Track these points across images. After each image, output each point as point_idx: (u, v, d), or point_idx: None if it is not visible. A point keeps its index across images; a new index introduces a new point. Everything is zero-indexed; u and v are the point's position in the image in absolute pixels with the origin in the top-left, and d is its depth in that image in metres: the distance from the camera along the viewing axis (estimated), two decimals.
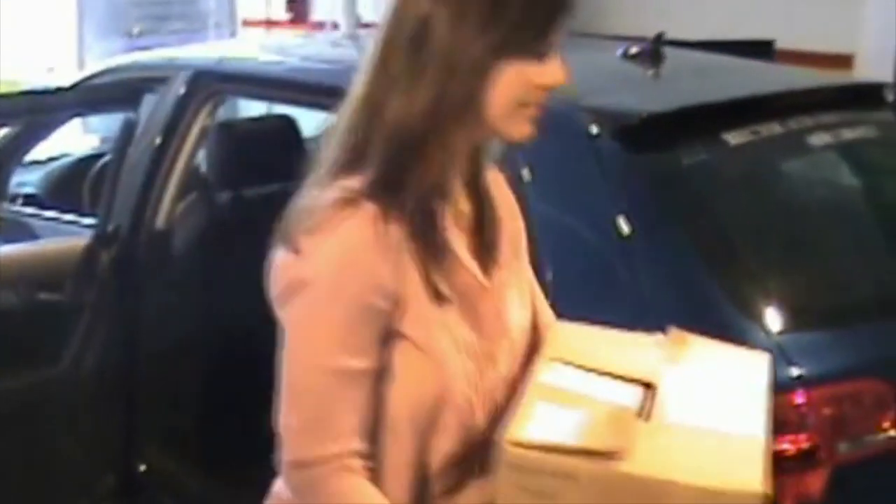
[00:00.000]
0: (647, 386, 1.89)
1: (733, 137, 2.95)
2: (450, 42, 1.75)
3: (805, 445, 2.51)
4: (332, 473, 1.80)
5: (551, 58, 1.83)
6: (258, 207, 4.08)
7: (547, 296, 2.29)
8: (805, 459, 2.51)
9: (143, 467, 3.79)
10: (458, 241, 1.87)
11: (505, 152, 2.87)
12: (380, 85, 1.79)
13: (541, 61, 1.81)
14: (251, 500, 3.39)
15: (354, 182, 1.78)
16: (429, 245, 1.80)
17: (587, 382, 1.89)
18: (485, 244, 1.94)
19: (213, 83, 3.79)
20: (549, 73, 1.83)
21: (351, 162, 1.81)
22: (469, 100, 1.77)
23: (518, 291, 2.00)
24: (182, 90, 3.75)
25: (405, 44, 1.77)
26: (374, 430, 1.82)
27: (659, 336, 2.09)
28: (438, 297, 1.81)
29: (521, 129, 1.87)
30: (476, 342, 1.86)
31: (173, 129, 3.74)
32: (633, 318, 2.60)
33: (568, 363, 1.94)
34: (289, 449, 1.85)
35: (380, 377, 1.80)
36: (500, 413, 1.84)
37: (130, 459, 3.80)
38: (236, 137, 3.93)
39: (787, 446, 2.50)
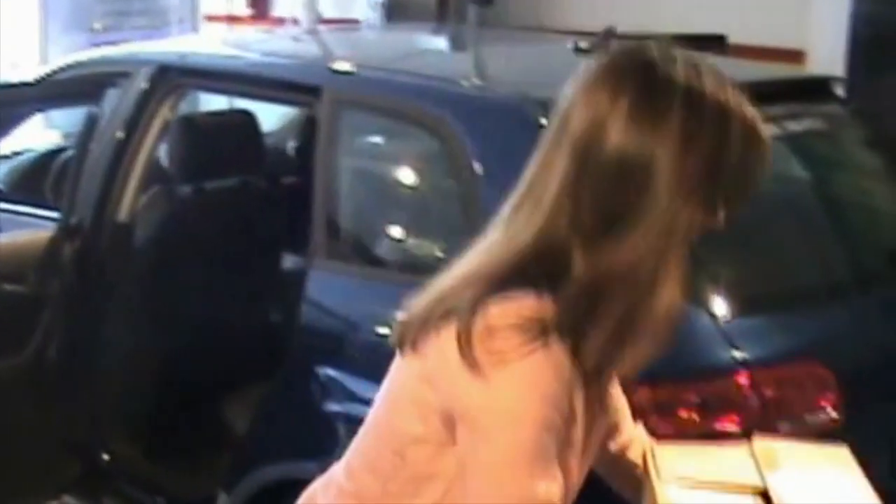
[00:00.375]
0: (764, 495, 1.96)
1: None
2: (669, 200, 1.66)
3: (747, 425, 2.59)
4: None
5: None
6: (219, 200, 4.16)
7: None
8: (747, 438, 2.62)
9: (106, 456, 3.83)
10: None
11: (456, 144, 3.01)
12: (584, 210, 1.69)
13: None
14: (208, 487, 3.50)
15: (536, 305, 1.67)
16: (589, 398, 1.77)
17: (711, 499, 1.96)
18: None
19: (174, 78, 3.84)
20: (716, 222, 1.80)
21: (532, 277, 1.70)
22: (668, 261, 1.72)
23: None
24: (144, 85, 3.79)
25: (619, 187, 1.68)
26: None
27: (744, 444, 2.15)
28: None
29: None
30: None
31: (135, 123, 3.79)
32: None
33: (684, 483, 2.01)
34: None
35: None
36: None
37: (94, 449, 3.85)
38: (197, 131, 3.97)
39: (729, 425, 2.62)
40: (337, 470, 2.00)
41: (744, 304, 2.81)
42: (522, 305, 1.66)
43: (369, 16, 7.46)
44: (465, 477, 1.74)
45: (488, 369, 1.65)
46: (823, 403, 2.75)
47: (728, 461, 2.11)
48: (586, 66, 1.77)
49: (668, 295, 1.72)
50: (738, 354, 2.68)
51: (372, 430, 1.92)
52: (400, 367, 1.83)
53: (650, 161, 1.66)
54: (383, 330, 3.00)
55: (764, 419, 2.63)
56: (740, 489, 1.99)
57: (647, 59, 1.71)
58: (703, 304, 2.74)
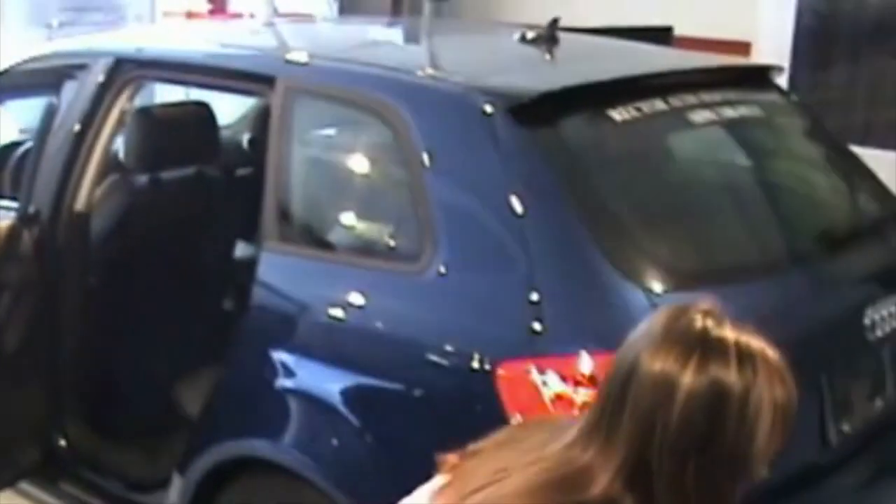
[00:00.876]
0: None
1: (618, 114, 3.16)
2: None
3: None
4: None
5: None
6: (174, 189, 4.25)
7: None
8: None
9: (63, 442, 3.89)
10: None
11: (404, 132, 3.12)
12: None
13: None
14: (165, 469, 3.59)
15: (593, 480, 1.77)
16: None
17: None
18: None
19: (130, 70, 3.90)
20: None
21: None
22: None
23: None
24: (100, 77, 3.86)
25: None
26: None
27: None
28: None
29: None
30: None
31: (92, 114, 3.85)
32: (522, 284, 2.85)
33: None
34: None
35: None
36: None
37: (51, 435, 3.90)
38: (153, 122, 4.03)
39: None
40: None
41: (676, 280, 2.92)
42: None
43: (325, 10, 7.56)
44: None
45: None
46: None
47: None
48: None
49: None
50: None
51: None
52: None
53: None
54: (333, 311, 3.13)
55: None
56: None
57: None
58: (638, 281, 2.86)
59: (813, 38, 5.81)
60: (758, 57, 5.83)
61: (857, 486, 3.32)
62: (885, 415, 3.43)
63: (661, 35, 5.24)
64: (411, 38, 4.56)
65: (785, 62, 5.83)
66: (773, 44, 5.89)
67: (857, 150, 5.07)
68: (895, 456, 3.49)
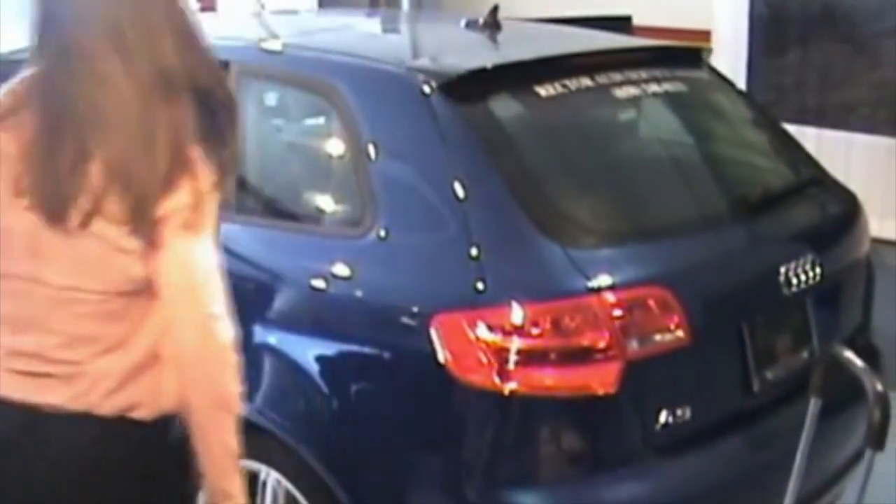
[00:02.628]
0: None
1: (544, 90, 3.41)
2: None
3: (601, 343, 2.97)
4: None
5: None
6: None
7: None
8: (602, 353, 2.98)
9: None
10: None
11: (348, 110, 3.35)
12: None
13: None
14: None
15: None
16: None
17: None
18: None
19: None
20: None
21: None
22: None
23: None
24: None
25: None
26: None
27: None
28: None
29: None
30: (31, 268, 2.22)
31: None
32: (455, 244, 3.09)
33: None
34: None
35: None
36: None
37: None
38: None
39: (586, 343, 2.97)
40: None
41: (595, 240, 3.16)
42: None
43: (308, 5, 7.76)
44: None
45: None
46: (670, 324, 3.09)
47: None
48: None
49: None
50: (589, 282, 3.00)
51: None
52: None
53: None
54: (285, 275, 3.36)
55: (616, 338, 2.98)
56: None
57: None
58: (560, 241, 3.07)
59: (767, 26, 6.02)
60: (717, 44, 6.05)
61: (784, 430, 3.44)
62: (811, 365, 3.54)
63: (621, 25, 5.44)
64: (366, 26, 4.77)
65: (742, 49, 6.09)
66: (730, 32, 6.10)
67: (809, 130, 5.36)
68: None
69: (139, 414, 2.29)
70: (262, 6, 7.76)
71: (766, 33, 6.02)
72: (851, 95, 5.75)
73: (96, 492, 2.29)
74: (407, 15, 5.00)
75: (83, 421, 2.26)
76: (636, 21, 5.80)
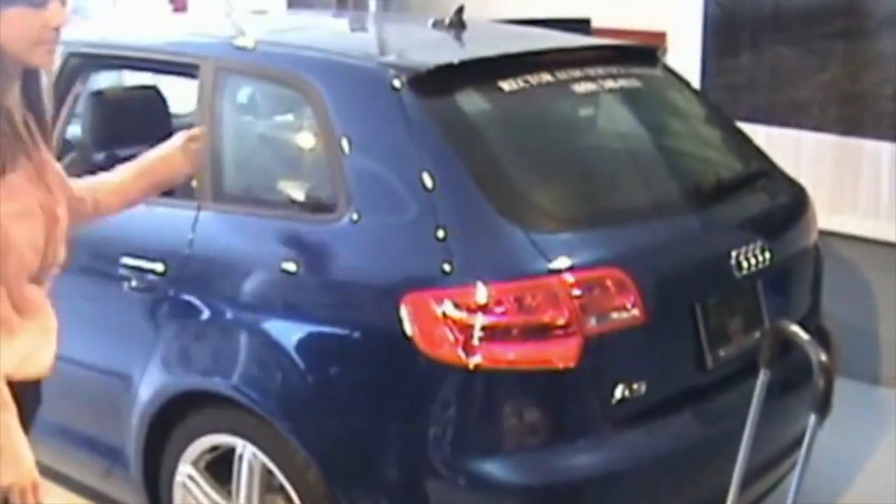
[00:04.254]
0: None
1: (507, 85, 3.55)
2: None
3: (561, 320, 3.10)
4: None
5: (51, 3, 2.30)
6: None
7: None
8: (563, 330, 3.10)
9: None
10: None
11: (321, 104, 3.46)
12: None
13: (40, 8, 2.29)
14: None
15: None
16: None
17: None
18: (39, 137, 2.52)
19: (84, 58, 4.26)
20: (51, 16, 2.30)
21: None
22: None
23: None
24: (58, 65, 4.20)
25: None
26: None
27: None
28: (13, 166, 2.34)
29: (42, 60, 2.37)
30: (48, 197, 2.45)
31: (53, 98, 4.17)
32: (424, 228, 3.20)
33: None
34: None
35: None
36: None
37: None
38: (107, 105, 4.34)
39: (546, 321, 3.09)
40: None
41: (556, 225, 3.28)
42: None
43: (277, 6, 7.80)
44: None
45: None
46: (626, 303, 3.21)
47: None
48: None
49: None
50: (550, 264, 3.12)
51: None
52: None
53: None
54: (264, 259, 3.46)
55: (575, 315, 3.10)
56: None
57: None
58: (523, 227, 3.19)
59: (720, 28, 6.08)
60: (672, 45, 6.12)
61: (736, 406, 3.52)
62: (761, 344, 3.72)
63: (580, 26, 5.53)
64: (337, 26, 4.87)
65: (696, 50, 6.18)
66: (684, 33, 6.18)
67: (761, 128, 5.49)
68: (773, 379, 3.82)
69: None
70: (232, 6, 7.86)
71: (719, 35, 6.08)
72: (801, 95, 5.84)
73: None
74: (375, 15, 5.09)
75: None
76: (594, 23, 5.92)
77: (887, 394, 5.76)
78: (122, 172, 3.09)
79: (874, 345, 5.86)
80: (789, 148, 5.49)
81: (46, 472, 4.31)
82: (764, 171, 4.18)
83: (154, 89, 4.54)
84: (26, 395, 2.47)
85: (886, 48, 5.52)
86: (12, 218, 2.35)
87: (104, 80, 4.97)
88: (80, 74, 4.27)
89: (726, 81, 6.10)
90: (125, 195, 3.07)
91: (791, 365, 3.75)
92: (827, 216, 4.22)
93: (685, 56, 5.94)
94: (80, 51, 4.27)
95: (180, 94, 4.60)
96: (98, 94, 4.39)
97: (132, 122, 4.38)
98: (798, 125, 5.88)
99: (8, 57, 2.29)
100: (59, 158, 4.18)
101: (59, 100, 4.22)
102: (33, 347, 2.47)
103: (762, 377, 3.27)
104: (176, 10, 8.31)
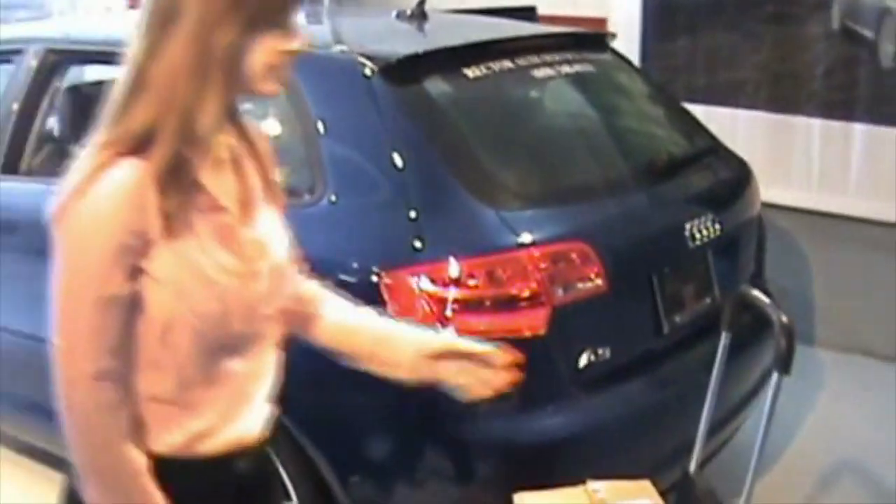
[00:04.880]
0: None
1: (471, 72, 3.69)
2: (201, 25, 1.86)
3: (530, 291, 3.23)
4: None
5: (292, 27, 2.00)
6: None
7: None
8: (531, 300, 3.24)
9: None
10: (215, 184, 1.97)
11: (298, 93, 3.57)
12: (143, 52, 1.90)
13: (285, 31, 1.96)
14: None
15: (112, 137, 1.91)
16: (180, 189, 1.88)
17: None
18: (245, 186, 2.08)
19: (59, 54, 4.33)
20: (293, 41, 1.99)
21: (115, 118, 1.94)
22: (224, 71, 1.89)
23: (273, 226, 2.17)
24: (34, 61, 4.29)
25: (160, 20, 1.89)
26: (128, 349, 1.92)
27: (580, 487, 2.97)
28: (187, 231, 1.91)
29: (270, 87, 2.01)
30: (236, 264, 1.97)
31: (29, 94, 4.28)
32: (399, 208, 3.32)
33: None
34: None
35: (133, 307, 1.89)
36: (259, 317, 2.07)
37: None
38: (82, 99, 4.42)
39: (516, 292, 3.23)
40: None
41: (522, 201, 3.41)
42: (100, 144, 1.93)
43: None
44: None
45: None
46: (590, 274, 3.35)
47: (573, 502, 2.91)
48: None
49: (207, 117, 1.89)
50: (519, 238, 3.25)
51: None
52: None
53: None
54: None
55: (543, 286, 3.24)
56: None
57: None
58: (491, 204, 3.32)
59: (658, 13, 6.25)
60: (612, 30, 6.29)
61: (690, 367, 3.78)
62: (713, 310, 3.89)
63: (526, 14, 5.68)
64: (304, 20, 4.95)
65: (636, 34, 6.36)
66: (624, 18, 6.35)
67: (699, 107, 5.66)
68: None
69: None
70: None
71: (657, 20, 6.24)
72: (736, 76, 6.03)
73: None
74: (339, 9, 5.14)
75: None
76: (540, 11, 6.06)
77: (822, 354, 6.00)
78: (363, 318, 2.51)
79: (808, 308, 6.09)
80: (726, 125, 5.65)
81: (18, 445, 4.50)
82: (710, 147, 4.35)
83: None
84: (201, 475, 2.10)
85: (815, 30, 5.74)
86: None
87: (85, 74, 5.02)
88: (59, 70, 4.34)
89: (665, 64, 6.27)
90: (344, 340, 2.52)
91: (740, 328, 3.99)
92: (763, 189, 4.40)
93: (625, 41, 6.08)
94: (58, 47, 4.35)
95: None
96: (74, 89, 4.46)
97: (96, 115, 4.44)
98: (734, 104, 6.08)
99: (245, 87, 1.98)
100: (38, 150, 4.40)
101: (39, 95, 4.30)
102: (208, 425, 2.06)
103: (724, 339, 3.43)
104: (132, 6, 8.33)
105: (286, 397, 3.34)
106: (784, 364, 3.05)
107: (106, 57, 4.29)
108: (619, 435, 3.48)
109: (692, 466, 3.43)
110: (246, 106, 3.92)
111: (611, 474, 3.26)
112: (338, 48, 3.77)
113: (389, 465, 3.44)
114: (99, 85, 4.84)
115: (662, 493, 3.04)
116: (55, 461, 4.40)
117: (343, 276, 3.33)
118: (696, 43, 6.19)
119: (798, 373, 5.31)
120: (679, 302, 3.78)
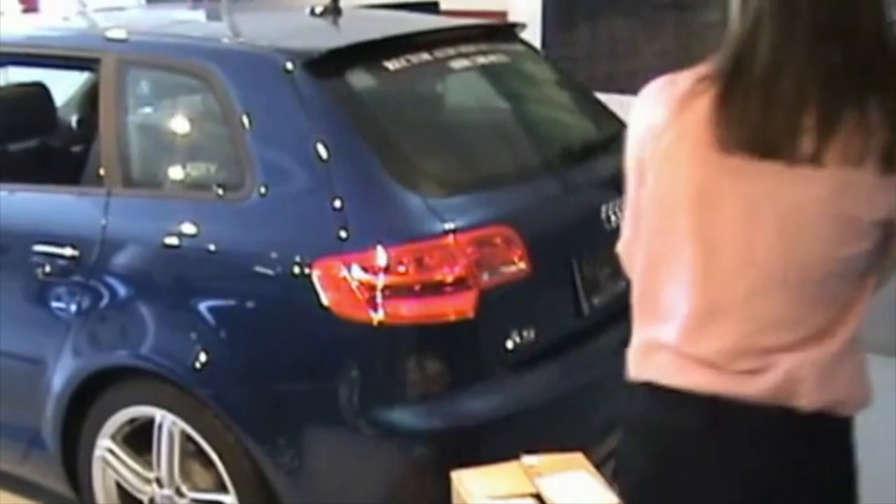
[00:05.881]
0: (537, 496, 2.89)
1: (392, 64, 3.71)
2: None
3: (457, 276, 3.27)
4: None
5: None
6: (21, 158, 4.65)
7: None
8: (459, 285, 3.27)
9: None
10: None
11: (221, 88, 3.58)
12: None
13: None
14: None
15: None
16: None
17: None
18: None
19: None
20: None
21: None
22: None
23: None
24: None
25: None
26: None
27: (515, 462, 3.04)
28: None
29: None
30: None
31: None
32: (326, 199, 3.33)
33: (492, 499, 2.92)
34: None
35: None
36: None
37: None
38: None
39: (444, 276, 3.26)
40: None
41: (447, 189, 3.43)
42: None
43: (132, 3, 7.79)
44: None
45: None
46: (514, 258, 3.40)
47: (510, 476, 2.97)
48: None
49: None
50: (445, 225, 3.29)
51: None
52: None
53: None
54: (173, 239, 3.55)
55: (470, 271, 3.28)
56: (523, 495, 2.87)
57: None
58: (418, 192, 3.35)
59: (558, 3, 6.35)
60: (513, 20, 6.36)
61: (608, 348, 3.72)
62: (629, 291, 4.00)
63: (429, 8, 5.71)
64: (214, 17, 4.87)
65: (536, 26, 6.43)
66: (525, 11, 6.42)
67: (601, 95, 5.73)
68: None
69: (839, 411, 1.99)
70: (84, 5, 7.80)
71: (557, 11, 6.33)
72: (636, 64, 6.12)
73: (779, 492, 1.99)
74: (252, 7, 5.11)
75: (779, 417, 1.96)
76: (442, 5, 6.10)
77: None
78: None
79: None
80: (625, 112, 5.71)
81: None
82: (619, 132, 4.37)
83: (40, 85, 4.57)
84: None
85: (713, 17, 5.84)
86: None
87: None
88: None
89: (566, 54, 6.34)
90: None
91: None
92: None
93: (526, 32, 6.16)
94: None
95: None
96: None
97: (21, 117, 4.41)
98: (634, 92, 6.05)
99: None
100: None
101: None
102: None
103: None
104: (26, 10, 8.21)
105: (222, 387, 3.44)
106: None
107: (24, 58, 4.41)
108: (545, 413, 3.52)
109: None
110: (169, 103, 4.09)
111: (541, 450, 3.33)
112: (261, 44, 3.77)
113: (324, 453, 3.45)
114: (13, 87, 4.80)
115: (596, 466, 3.09)
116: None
117: (275, 268, 3.37)
118: (596, 32, 6.27)
119: None
120: (597, 284, 3.81)
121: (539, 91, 4.51)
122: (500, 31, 4.45)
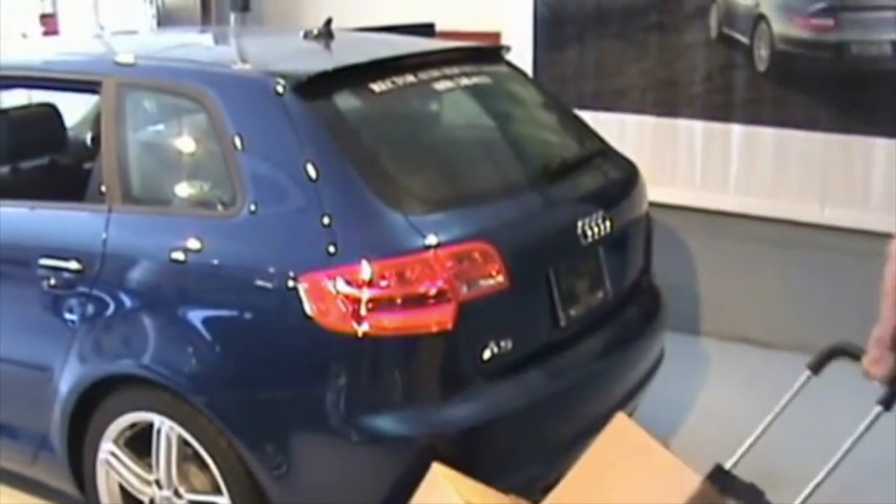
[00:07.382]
0: None
1: (377, 86, 3.76)
2: None
3: (437, 289, 3.31)
4: None
5: None
6: (31, 176, 4.70)
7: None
8: (439, 298, 3.31)
9: None
10: None
11: (214, 111, 3.62)
12: None
13: None
14: None
15: None
16: None
17: None
18: None
19: None
20: None
21: None
22: None
23: None
24: None
25: None
26: None
27: None
28: None
29: None
30: None
31: None
32: (314, 215, 3.37)
33: None
34: None
35: None
36: None
37: None
38: (10, 122, 4.44)
39: (425, 290, 3.30)
40: None
41: (428, 206, 3.46)
42: None
43: (147, 25, 7.85)
44: None
45: None
46: (492, 272, 3.44)
47: None
48: None
49: None
50: (426, 240, 3.32)
51: None
52: None
53: None
54: (165, 254, 3.58)
55: (450, 284, 3.31)
56: None
57: None
58: (399, 209, 3.39)
59: (548, 26, 6.34)
60: (506, 43, 6.39)
61: (585, 357, 3.88)
62: (606, 303, 4.03)
63: (425, 31, 5.76)
64: (215, 41, 4.99)
65: (528, 47, 6.46)
66: (517, 32, 6.44)
67: (588, 113, 5.78)
68: (615, 334, 4.09)
69: None
70: (103, 28, 7.88)
71: (547, 33, 6.31)
72: (622, 83, 6.16)
73: None
74: (242, 30, 5.18)
75: None
76: (438, 27, 6.18)
77: (707, 343, 6.16)
78: None
79: (694, 300, 6.25)
80: (613, 129, 5.77)
81: None
82: (599, 150, 4.46)
83: (50, 105, 4.62)
84: None
85: (694, 38, 5.88)
86: None
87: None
88: None
89: (556, 73, 6.37)
90: None
91: (630, 322, 4.10)
92: (650, 188, 4.53)
93: (518, 53, 6.19)
94: None
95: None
96: (1, 112, 4.45)
97: (32, 136, 4.46)
98: (621, 109, 6.20)
99: None
100: None
101: None
102: None
103: (804, 379, 3.56)
104: (47, 33, 8.27)
105: (215, 394, 3.49)
106: (887, 402, 3.13)
107: (34, 81, 4.47)
108: (522, 421, 3.56)
109: (729, 463, 3.46)
110: (166, 125, 4.15)
111: (516, 458, 3.37)
112: (253, 67, 3.81)
113: (311, 457, 3.49)
114: (25, 108, 4.86)
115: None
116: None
117: (263, 282, 3.41)
118: (584, 53, 6.31)
119: (686, 360, 5.50)
120: (574, 296, 3.85)
121: (521, 111, 4.55)
122: (485, 53, 4.48)
